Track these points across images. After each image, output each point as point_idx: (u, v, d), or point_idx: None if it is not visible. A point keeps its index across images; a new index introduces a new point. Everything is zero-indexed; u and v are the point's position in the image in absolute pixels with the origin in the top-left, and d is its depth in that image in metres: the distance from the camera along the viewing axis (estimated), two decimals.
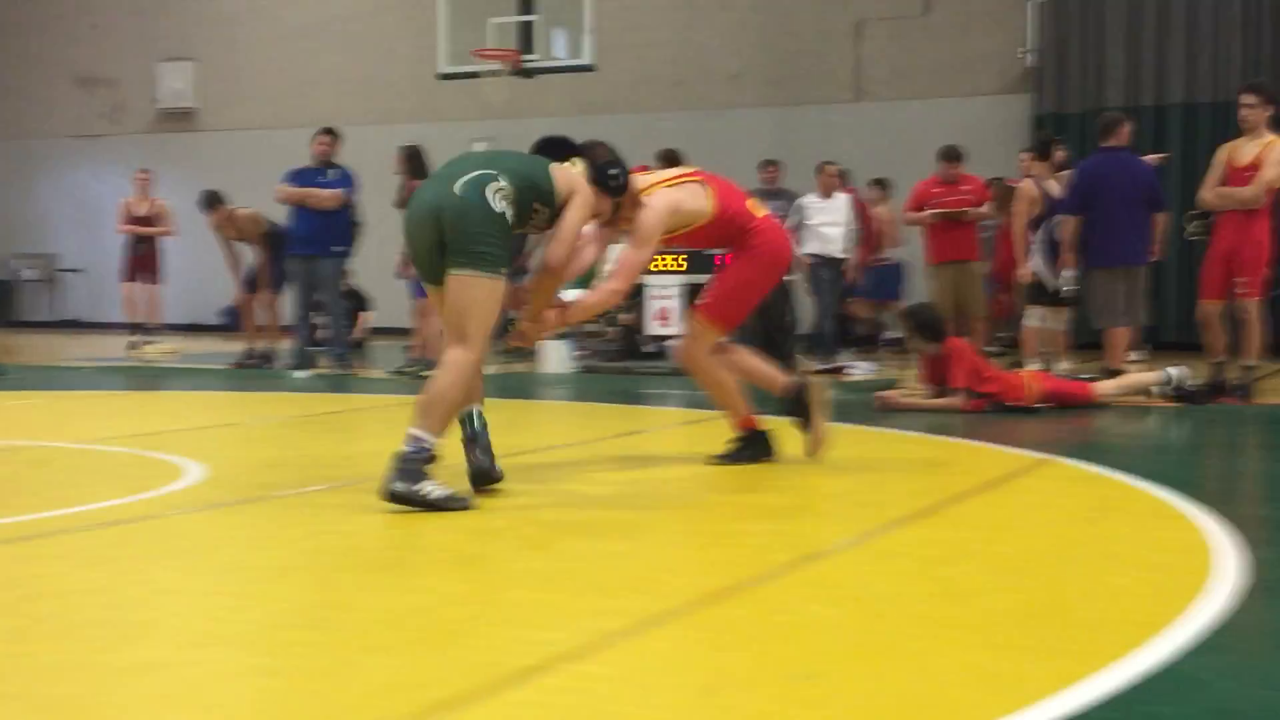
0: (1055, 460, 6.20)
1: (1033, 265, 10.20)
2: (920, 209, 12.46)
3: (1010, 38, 16.44)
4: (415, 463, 4.76)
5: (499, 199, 5.03)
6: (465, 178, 5.06)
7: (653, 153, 16.11)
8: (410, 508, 4.67)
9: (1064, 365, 10.21)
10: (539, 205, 5.19)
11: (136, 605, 3.42)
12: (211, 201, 12.26)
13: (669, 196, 5.84)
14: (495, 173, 5.09)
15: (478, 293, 4.97)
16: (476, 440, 5.24)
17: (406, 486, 4.71)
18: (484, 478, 5.19)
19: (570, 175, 5.38)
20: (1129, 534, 4.51)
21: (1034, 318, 10.28)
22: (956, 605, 3.44)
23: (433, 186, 5.17)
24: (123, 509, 4.82)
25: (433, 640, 3.08)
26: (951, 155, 12.41)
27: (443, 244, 5.02)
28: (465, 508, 4.76)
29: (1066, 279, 9.99)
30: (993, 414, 8.17)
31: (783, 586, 3.66)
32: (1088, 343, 11.13)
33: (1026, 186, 10.27)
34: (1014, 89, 16.48)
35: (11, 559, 4.00)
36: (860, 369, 11.52)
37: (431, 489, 4.74)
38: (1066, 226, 9.78)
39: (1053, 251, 10.16)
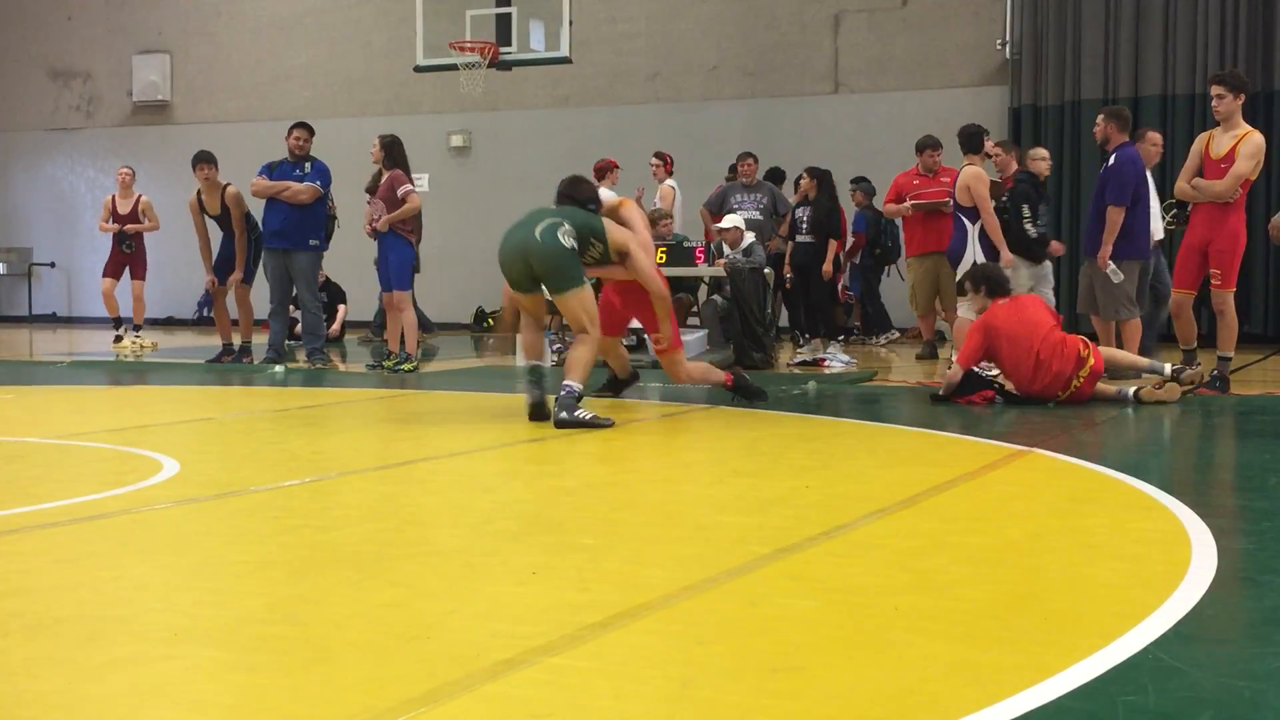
0: (1033, 451, 6.21)
1: (974, 256, 10.21)
2: (900, 201, 12.48)
3: (988, 30, 16.48)
4: (570, 399, 7.03)
5: (565, 237, 7.24)
6: (543, 224, 7.27)
7: (629, 145, 16.15)
8: (574, 429, 6.83)
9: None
10: (594, 241, 7.45)
11: (111, 601, 3.40)
12: (206, 158, 12.09)
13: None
14: (561, 219, 7.32)
15: (577, 301, 7.33)
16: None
17: (569, 414, 6.94)
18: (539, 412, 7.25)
19: (617, 226, 7.64)
20: (1106, 524, 4.52)
21: (970, 310, 10.28)
22: (934, 597, 3.43)
23: (520, 231, 7.33)
24: (98, 504, 4.79)
25: (409, 634, 3.07)
26: (931, 144, 12.42)
27: (533, 273, 7.29)
28: (610, 425, 6.96)
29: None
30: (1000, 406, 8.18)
31: (760, 579, 3.65)
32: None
33: (982, 174, 10.26)
34: (992, 81, 16.52)
35: None
36: (840, 361, 11.53)
37: (584, 413, 6.99)
38: (1116, 216, 9.74)
39: (988, 242, 10.23)
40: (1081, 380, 8.18)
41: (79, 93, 21.34)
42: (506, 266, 7.42)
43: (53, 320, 21.28)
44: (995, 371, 8.79)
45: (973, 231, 10.24)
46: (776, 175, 14.59)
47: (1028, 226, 10.81)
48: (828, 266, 12.91)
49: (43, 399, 9.14)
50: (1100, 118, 10.36)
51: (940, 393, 8.44)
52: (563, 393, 7.09)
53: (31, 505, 4.71)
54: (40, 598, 3.42)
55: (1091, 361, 8.22)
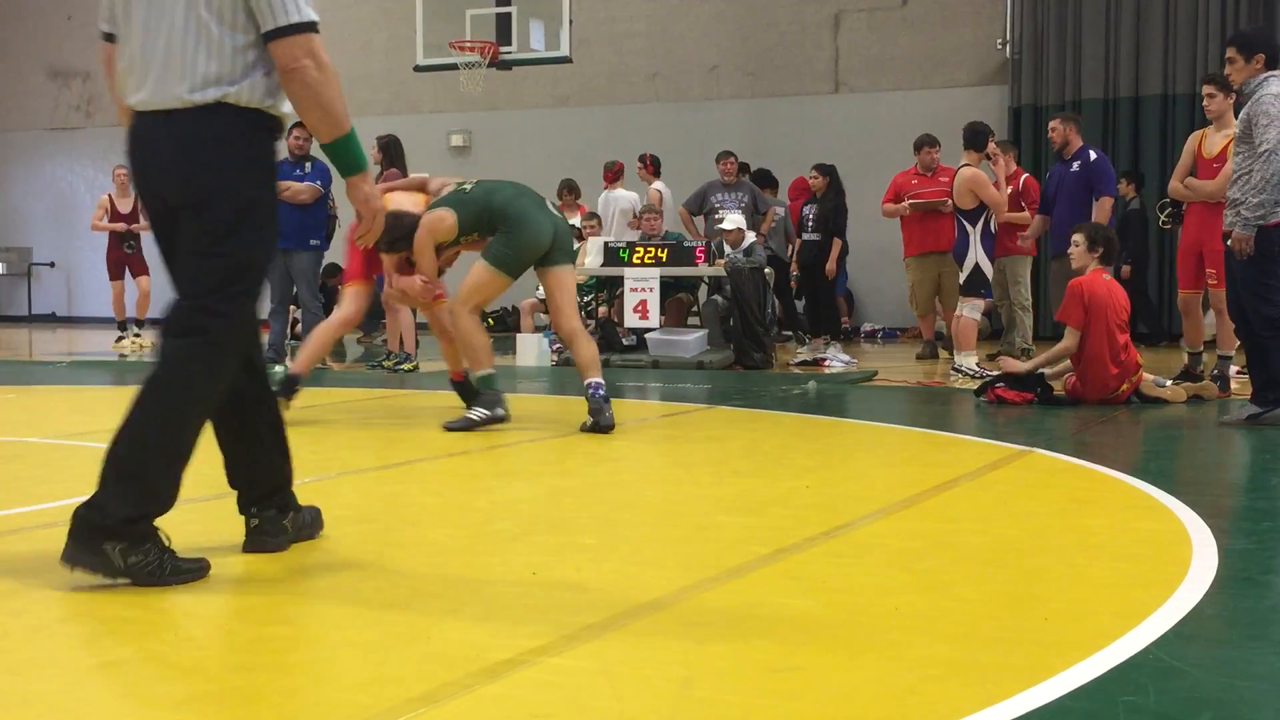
0: (1033, 452, 6.21)
1: (976, 257, 10.24)
2: (898, 200, 12.48)
3: (988, 29, 16.49)
4: (604, 396, 6.84)
5: None
6: (549, 201, 7.17)
7: (629, 145, 16.16)
8: (606, 433, 6.72)
9: (973, 359, 10.27)
10: None
11: (111, 602, 3.39)
12: None
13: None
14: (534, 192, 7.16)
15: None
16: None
17: (610, 415, 6.79)
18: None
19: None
20: (1107, 525, 4.52)
21: (974, 310, 10.31)
22: (934, 597, 3.43)
23: (545, 214, 6.99)
24: None
25: (409, 634, 3.06)
26: (929, 141, 12.41)
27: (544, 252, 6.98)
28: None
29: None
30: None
31: (760, 579, 3.65)
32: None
33: (981, 175, 10.29)
34: (991, 80, 16.52)
35: None
36: (840, 361, 11.53)
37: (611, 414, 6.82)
38: (1109, 205, 10.13)
39: (990, 242, 10.28)
40: (1128, 386, 8.22)
41: (79, 92, 21.34)
42: (535, 247, 6.92)
43: (52, 320, 21.28)
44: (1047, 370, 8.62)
45: (974, 233, 10.26)
46: (761, 177, 14.61)
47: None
48: (831, 265, 12.91)
49: (43, 399, 9.14)
50: (1058, 122, 10.49)
51: (1041, 373, 8.37)
52: (602, 392, 6.86)
53: (31, 505, 4.71)
54: (40, 598, 3.42)
55: (1138, 376, 8.30)
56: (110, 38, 3.78)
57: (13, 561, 3.89)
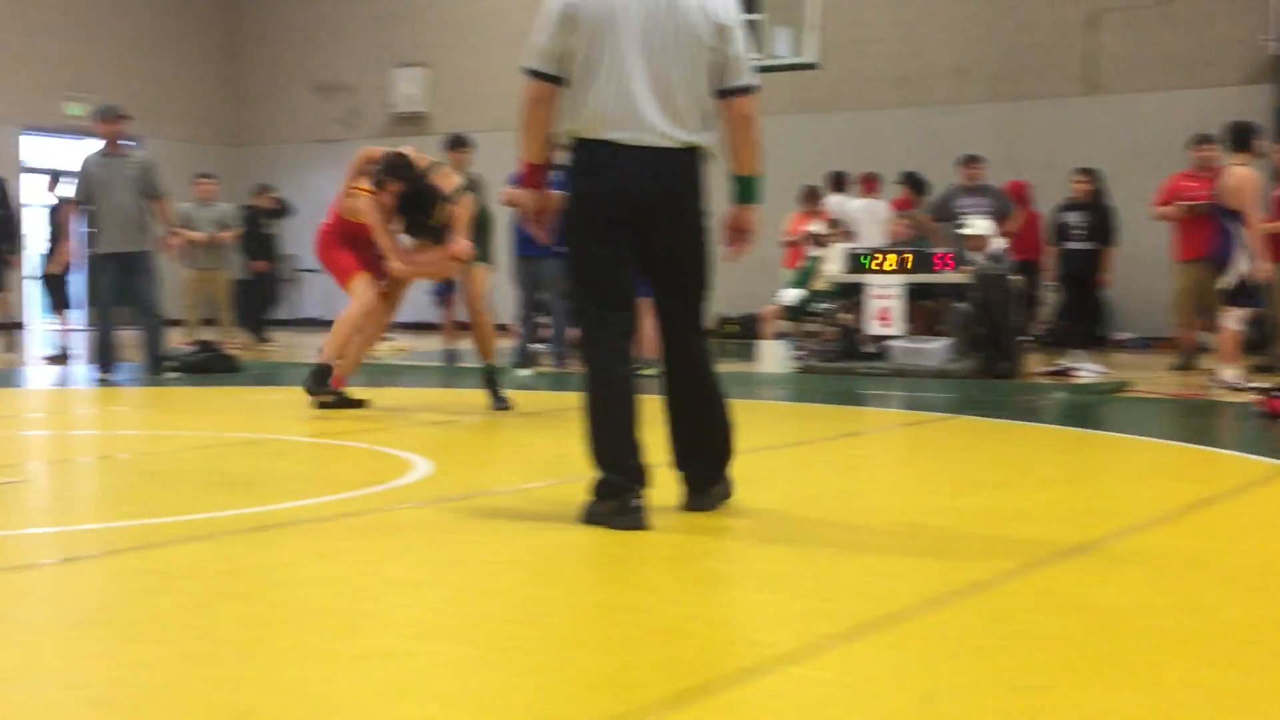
0: None
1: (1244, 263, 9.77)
2: (1169, 204, 11.98)
3: (1253, 26, 15.73)
4: None
5: None
6: None
7: (876, 152, 16.01)
8: None
9: (1235, 371, 9.75)
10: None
11: (365, 595, 3.52)
12: (461, 143, 11.46)
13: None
14: None
15: None
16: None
17: None
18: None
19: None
20: None
21: (1236, 320, 9.81)
22: (1190, 618, 3.29)
23: None
24: (354, 502, 4.97)
25: (648, 638, 3.09)
26: (1206, 140, 11.88)
27: None
28: None
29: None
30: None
31: (1007, 593, 3.56)
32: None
33: (1252, 175, 9.82)
34: (1256, 79, 15.75)
35: (250, 547, 4.17)
36: (1089, 370, 11.17)
37: None
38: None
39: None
40: None
41: (342, 105, 22.32)
42: None
43: (315, 324, 22.20)
44: None
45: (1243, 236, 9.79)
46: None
47: None
48: (1110, 276, 12.52)
49: (304, 398, 9.53)
50: None
51: None
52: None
53: (293, 501, 4.92)
54: (300, 590, 3.57)
55: None
56: (554, 80, 4.64)
57: (275, 554, 4.07)
